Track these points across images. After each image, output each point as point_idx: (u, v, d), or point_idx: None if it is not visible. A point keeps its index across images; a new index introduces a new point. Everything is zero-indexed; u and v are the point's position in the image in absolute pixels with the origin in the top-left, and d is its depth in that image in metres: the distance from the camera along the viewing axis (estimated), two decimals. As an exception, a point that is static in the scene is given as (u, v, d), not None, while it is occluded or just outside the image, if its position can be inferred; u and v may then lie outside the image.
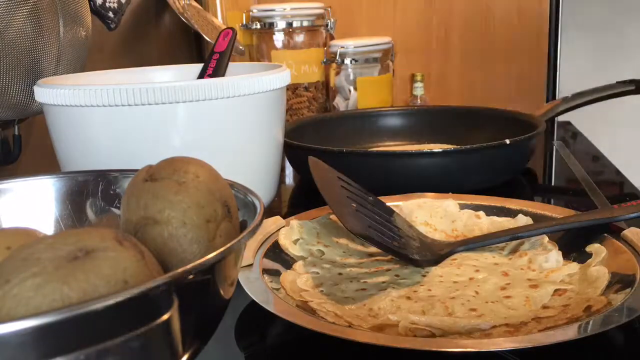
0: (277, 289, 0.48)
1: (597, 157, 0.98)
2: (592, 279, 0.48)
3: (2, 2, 0.59)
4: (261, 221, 0.35)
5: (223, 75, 0.72)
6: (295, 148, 0.81)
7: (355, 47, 1.15)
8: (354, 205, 0.52)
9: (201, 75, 0.74)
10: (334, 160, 0.78)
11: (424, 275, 0.51)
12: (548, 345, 0.38)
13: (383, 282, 0.50)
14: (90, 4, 0.77)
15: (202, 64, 0.76)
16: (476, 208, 0.62)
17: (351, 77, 1.16)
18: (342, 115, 1.06)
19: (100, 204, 0.45)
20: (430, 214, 0.62)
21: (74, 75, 0.69)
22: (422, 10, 1.31)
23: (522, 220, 0.59)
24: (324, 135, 0.94)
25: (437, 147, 0.91)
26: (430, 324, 0.42)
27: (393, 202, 0.64)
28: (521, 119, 0.91)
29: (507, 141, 0.75)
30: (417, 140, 0.99)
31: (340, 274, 0.52)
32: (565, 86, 1.31)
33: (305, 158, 0.82)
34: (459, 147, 0.75)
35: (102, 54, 0.94)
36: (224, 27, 1.16)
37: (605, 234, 0.54)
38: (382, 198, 0.65)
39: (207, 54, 1.26)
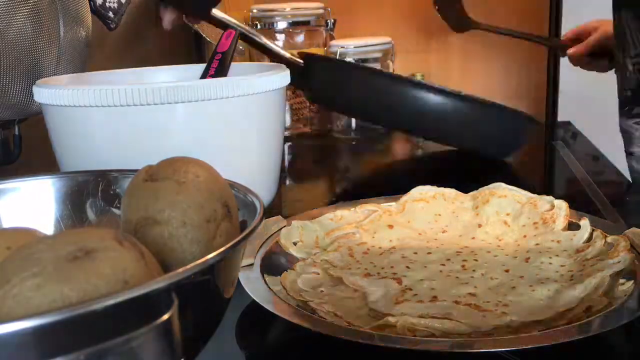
0: (278, 289, 0.48)
1: (597, 157, 0.98)
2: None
3: (2, 2, 0.59)
4: (261, 221, 0.35)
5: (226, 75, 0.72)
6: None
7: (355, 47, 1.15)
8: None
9: (204, 76, 0.73)
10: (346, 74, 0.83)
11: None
12: (548, 346, 0.38)
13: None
14: (90, 4, 0.76)
15: (202, 64, 0.76)
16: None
17: (351, 77, 1.16)
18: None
19: (100, 204, 0.45)
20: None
21: (74, 75, 0.69)
22: (422, 10, 1.31)
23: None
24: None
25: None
26: (429, 326, 0.42)
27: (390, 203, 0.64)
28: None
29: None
30: None
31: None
32: (566, 86, 1.31)
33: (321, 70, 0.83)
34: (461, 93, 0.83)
35: (102, 54, 0.94)
36: (223, 27, 1.16)
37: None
38: (385, 198, 0.65)
39: (207, 54, 1.27)
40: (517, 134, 0.87)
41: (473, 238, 0.59)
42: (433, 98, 0.80)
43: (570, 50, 1.01)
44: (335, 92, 0.88)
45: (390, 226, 0.60)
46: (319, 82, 0.90)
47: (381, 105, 0.81)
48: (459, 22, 1.07)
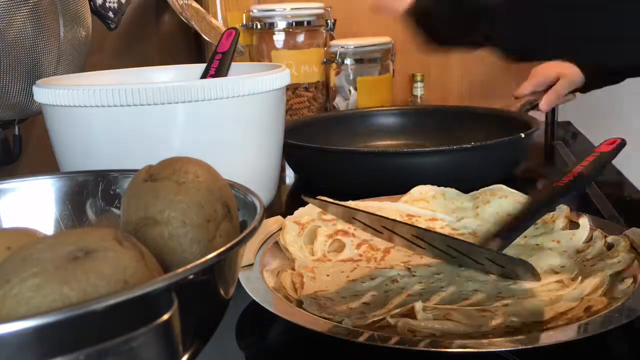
0: (278, 289, 0.48)
1: (597, 157, 0.97)
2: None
3: (2, 2, 0.59)
4: (261, 221, 0.35)
5: (226, 75, 0.72)
6: (292, 147, 0.81)
7: (355, 47, 1.15)
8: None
9: (204, 76, 0.73)
10: (331, 159, 0.78)
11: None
12: (548, 346, 0.38)
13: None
14: (90, 4, 0.76)
15: (202, 64, 0.76)
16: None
17: (351, 77, 1.16)
18: (341, 115, 1.06)
19: (100, 204, 0.45)
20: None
21: (74, 75, 0.69)
22: (422, 10, 1.31)
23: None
24: (323, 134, 0.94)
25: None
26: (429, 326, 0.42)
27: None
28: (515, 118, 0.91)
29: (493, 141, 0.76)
30: (417, 139, 1.00)
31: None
32: (565, 86, 1.31)
33: (303, 157, 0.82)
34: (452, 146, 0.77)
35: (102, 54, 0.94)
36: (222, 27, 1.16)
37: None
38: (385, 198, 0.65)
39: (207, 54, 1.27)
40: (516, 154, 0.84)
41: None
42: (425, 161, 0.75)
43: (544, 107, 0.94)
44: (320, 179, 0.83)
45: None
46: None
47: (372, 183, 0.74)
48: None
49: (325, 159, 0.79)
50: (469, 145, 0.76)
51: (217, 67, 0.72)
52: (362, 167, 0.76)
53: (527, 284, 0.48)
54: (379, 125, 1.03)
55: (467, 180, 0.67)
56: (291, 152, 0.83)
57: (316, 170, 0.82)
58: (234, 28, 0.76)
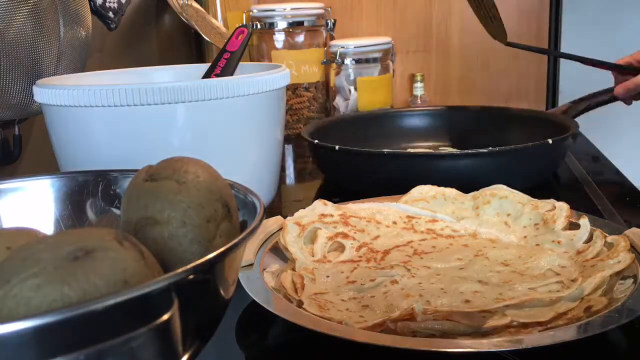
0: (278, 289, 0.48)
1: (597, 157, 0.98)
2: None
3: (2, 2, 0.59)
4: (261, 221, 0.35)
5: (232, 75, 0.71)
6: (319, 148, 0.80)
7: (355, 47, 1.15)
8: None
9: (208, 74, 0.72)
10: (359, 161, 0.77)
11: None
12: (548, 346, 0.38)
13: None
14: (90, 4, 0.77)
15: (202, 64, 0.76)
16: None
17: (351, 77, 1.17)
18: (361, 116, 1.04)
19: (100, 204, 0.45)
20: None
21: (74, 75, 0.69)
22: (422, 10, 1.32)
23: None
24: (345, 136, 0.91)
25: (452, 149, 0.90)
26: (429, 327, 0.42)
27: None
28: (545, 119, 0.89)
29: (550, 141, 0.73)
30: (444, 141, 0.98)
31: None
32: (566, 86, 1.31)
33: (329, 158, 0.81)
34: (487, 149, 0.73)
35: (102, 54, 0.94)
36: (222, 27, 1.16)
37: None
38: (385, 198, 0.65)
39: (207, 54, 1.27)
40: (553, 160, 0.80)
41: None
42: (460, 164, 0.72)
43: (618, 89, 0.90)
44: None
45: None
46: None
47: (399, 184, 0.69)
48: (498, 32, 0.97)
49: (352, 160, 0.78)
50: (504, 148, 0.72)
51: (224, 67, 0.71)
52: (388, 169, 0.74)
53: (527, 288, 0.48)
54: (411, 126, 1.00)
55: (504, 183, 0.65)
56: (321, 154, 0.82)
57: (343, 171, 0.81)
58: (246, 26, 0.75)
